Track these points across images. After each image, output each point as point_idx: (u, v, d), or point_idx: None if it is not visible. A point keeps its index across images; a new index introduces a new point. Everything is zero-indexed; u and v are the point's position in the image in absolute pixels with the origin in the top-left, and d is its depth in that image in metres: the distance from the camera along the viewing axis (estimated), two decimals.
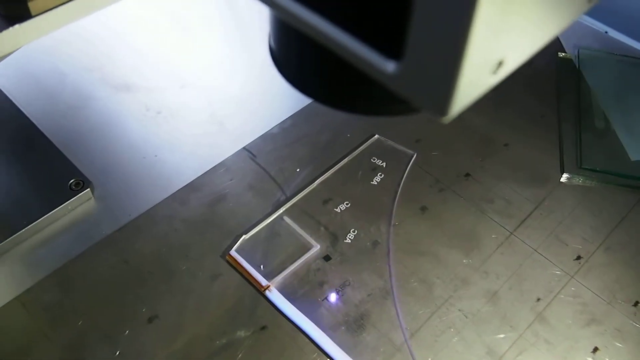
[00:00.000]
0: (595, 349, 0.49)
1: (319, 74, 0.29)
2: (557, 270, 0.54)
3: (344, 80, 0.28)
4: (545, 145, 0.63)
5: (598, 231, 0.57)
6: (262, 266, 0.53)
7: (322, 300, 0.51)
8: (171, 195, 0.58)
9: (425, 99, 0.22)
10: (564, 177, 0.60)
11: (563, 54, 0.72)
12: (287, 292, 0.51)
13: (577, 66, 0.71)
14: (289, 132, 0.64)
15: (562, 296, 0.52)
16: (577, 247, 0.56)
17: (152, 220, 0.56)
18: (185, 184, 0.59)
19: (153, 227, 0.56)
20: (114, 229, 0.55)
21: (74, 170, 0.57)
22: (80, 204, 0.57)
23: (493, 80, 0.23)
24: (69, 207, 0.56)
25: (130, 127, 0.64)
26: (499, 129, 0.65)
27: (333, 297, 0.51)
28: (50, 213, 0.54)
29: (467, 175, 0.61)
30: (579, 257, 0.55)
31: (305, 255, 0.54)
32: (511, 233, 0.56)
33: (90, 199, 0.57)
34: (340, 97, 0.28)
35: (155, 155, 0.61)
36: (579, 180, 0.60)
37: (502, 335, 0.50)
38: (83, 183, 0.56)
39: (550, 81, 0.70)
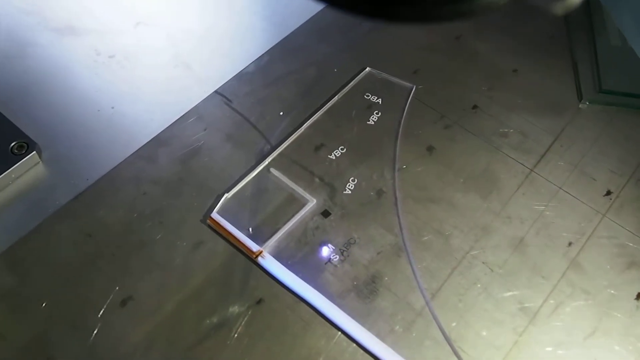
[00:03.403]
0: (639, 295, 0.43)
1: None
2: (587, 209, 0.47)
3: None
4: (558, 68, 0.56)
5: (626, 162, 0.50)
6: (250, 229, 0.45)
7: (326, 263, 0.44)
8: (135, 152, 0.49)
9: None
10: (583, 103, 0.53)
11: None
12: (283, 257, 0.44)
13: None
14: (266, 70, 0.55)
15: (596, 238, 0.46)
16: (606, 181, 0.49)
17: (116, 184, 0.47)
18: (150, 138, 0.50)
19: (117, 191, 0.47)
20: (70, 198, 0.46)
21: (14, 131, 0.48)
22: (27, 170, 0.47)
23: None
24: (13, 175, 0.46)
25: (79, 76, 0.54)
26: (505, 54, 0.57)
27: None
28: None
29: (475, 107, 0.53)
30: (609, 193, 0.48)
31: (300, 212, 0.46)
32: (531, 170, 0.49)
33: (38, 163, 0.48)
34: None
35: (112, 107, 0.52)
36: (599, 106, 0.53)
37: (534, 288, 0.43)
38: (27, 145, 0.47)
39: None
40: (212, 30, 0.58)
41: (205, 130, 0.50)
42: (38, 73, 0.54)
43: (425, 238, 0.45)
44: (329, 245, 0.45)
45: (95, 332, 0.41)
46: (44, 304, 0.42)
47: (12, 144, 0.47)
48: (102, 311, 0.41)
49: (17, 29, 0.57)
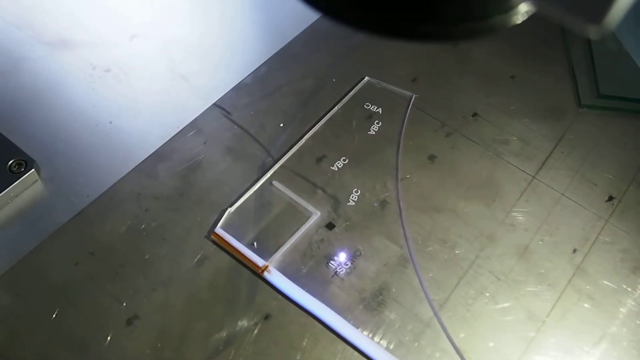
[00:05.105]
0: None
1: None
2: (590, 215, 0.47)
3: None
4: (555, 73, 0.56)
5: (627, 166, 0.51)
6: (255, 243, 0.45)
7: (332, 276, 0.44)
8: (135, 167, 0.49)
9: (571, 5, 0.14)
10: (582, 108, 0.53)
11: None
12: (289, 271, 0.44)
13: None
14: (265, 81, 0.54)
15: (600, 244, 0.46)
16: (607, 186, 0.49)
17: (116, 201, 0.47)
18: (150, 152, 0.49)
19: (118, 208, 0.46)
20: (70, 216, 0.46)
21: (12, 149, 0.47)
22: (25, 189, 0.47)
23: None
24: (12, 194, 0.46)
25: (75, 91, 0.53)
26: (502, 60, 0.57)
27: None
28: None
29: (475, 115, 0.53)
30: (611, 198, 0.49)
31: (305, 225, 0.46)
32: (533, 177, 0.49)
33: (36, 181, 0.47)
34: (400, 21, 0.20)
35: (110, 122, 0.51)
36: (598, 110, 0.53)
37: (541, 296, 0.43)
38: (25, 163, 0.47)
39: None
40: (208, 41, 0.57)
41: (205, 143, 0.50)
42: (33, 88, 0.53)
43: (431, 248, 0.45)
44: (336, 258, 0.44)
45: (100, 352, 0.40)
46: (46, 326, 0.41)
47: (10, 162, 0.46)
48: (107, 331, 0.41)
49: (9, 43, 0.56)
